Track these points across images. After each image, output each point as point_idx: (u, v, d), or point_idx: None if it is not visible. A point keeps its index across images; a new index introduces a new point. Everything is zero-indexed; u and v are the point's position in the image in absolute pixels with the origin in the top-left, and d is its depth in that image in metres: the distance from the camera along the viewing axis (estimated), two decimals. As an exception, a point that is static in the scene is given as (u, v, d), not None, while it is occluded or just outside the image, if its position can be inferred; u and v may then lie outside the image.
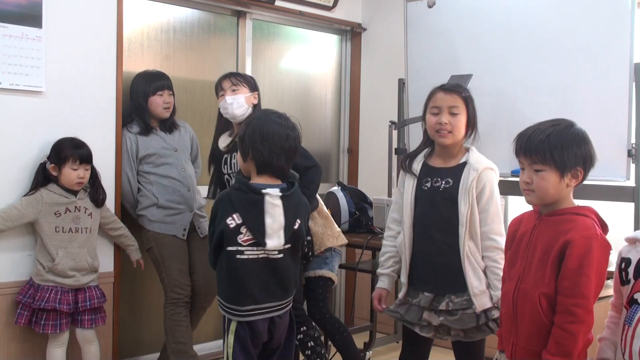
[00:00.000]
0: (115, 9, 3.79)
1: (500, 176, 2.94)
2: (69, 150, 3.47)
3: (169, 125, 3.95)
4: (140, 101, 3.85)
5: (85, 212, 3.54)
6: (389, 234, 3.07)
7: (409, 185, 2.94)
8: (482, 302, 2.79)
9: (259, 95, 3.64)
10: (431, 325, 2.87)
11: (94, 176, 3.61)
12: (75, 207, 3.51)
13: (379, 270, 3.07)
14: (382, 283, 3.06)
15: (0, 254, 3.44)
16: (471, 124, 2.87)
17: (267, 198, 2.67)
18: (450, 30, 4.25)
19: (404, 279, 2.95)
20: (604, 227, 2.25)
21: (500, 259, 2.76)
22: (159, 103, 3.86)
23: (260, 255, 2.68)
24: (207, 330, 4.56)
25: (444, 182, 2.87)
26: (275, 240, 2.69)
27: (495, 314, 2.77)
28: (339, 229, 3.73)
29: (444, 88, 2.88)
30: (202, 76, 4.54)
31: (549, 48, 3.84)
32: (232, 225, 2.64)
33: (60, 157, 3.46)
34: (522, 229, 2.38)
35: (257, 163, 2.71)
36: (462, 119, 2.83)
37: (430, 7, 4.35)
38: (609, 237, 2.23)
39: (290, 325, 2.87)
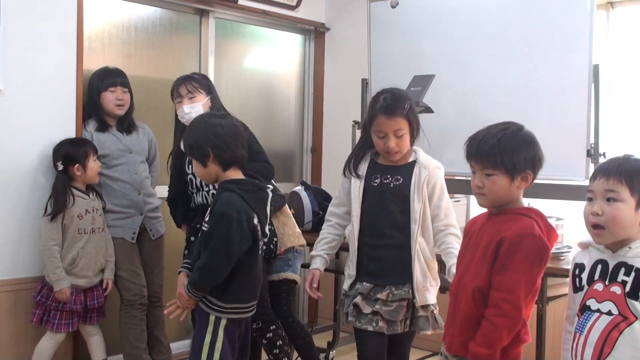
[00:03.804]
0: (76, 6, 3.73)
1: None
2: (87, 146, 3.59)
3: (126, 125, 3.89)
4: (94, 97, 3.81)
5: (97, 212, 3.63)
6: (327, 224, 3.16)
7: (356, 182, 3.02)
8: (423, 297, 2.92)
9: (214, 96, 3.63)
10: (361, 313, 2.92)
11: None
12: (93, 207, 3.61)
13: (312, 253, 3.15)
14: (315, 264, 3.10)
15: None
16: (415, 134, 2.96)
17: (269, 193, 2.85)
18: (413, 30, 4.27)
19: (352, 271, 3.01)
20: (550, 230, 2.31)
21: (457, 243, 2.87)
22: (110, 99, 3.80)
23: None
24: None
25: (394, 180, 2.96)
26: (267, 229, 2.88)
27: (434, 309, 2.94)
28: (298, 230, 3.75)
29: (385, 112, 2.88)
30: (164, 75, 4.49)
31: (510, 49, 3.88)
32: (258, 225, 2.76)
33: (81, 154, 3.55)
34: (474, 228, 2.45)
35: (221, 160, 2.74)
36: (407, 137, 2.92)
37: (393, 7, 4.37)
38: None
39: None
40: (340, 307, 3.07)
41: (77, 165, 3.54)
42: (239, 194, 2.71)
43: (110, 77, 3.83)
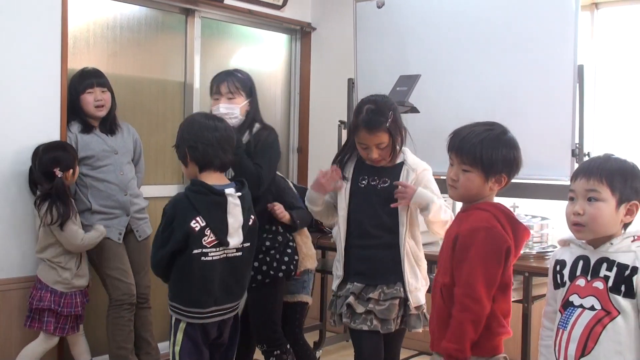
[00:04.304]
0: (60, 4, 3.71)
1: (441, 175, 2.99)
2: (72, 150, 3.58)
3: (109, 125, 3.83)
4: (74, 100, 3.77)
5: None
6: None
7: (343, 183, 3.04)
8: (416, 298, 2.95)
9: (254, 100, 3.50)
10: (355, 313, 2.93)
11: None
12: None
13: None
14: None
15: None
16: (401, 143, 2.96)
17: (229, 199, 2.72)
18: (400, 30, 4.28)
19: (340, 271, 3.03)
20: (517, 225, 2.35)
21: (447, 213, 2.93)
22: (89, 101, 3.74)
23: (222, 256, 2.73)
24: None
25: (381, 182, 2.97)
26: (235, 238, 2.75)
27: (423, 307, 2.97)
28: (314, 251, 3.69)
29: (366, 126, 2.88)
30: (149, 74, 4.48)
31: (496, 49, 3.90)
32: (197, 228, 2.66)
33: (71, 160, 3.53)
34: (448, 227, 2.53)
35: (197, 161, 2.74)
36: (389, 148, 2.92)
37: (379, 7, 4.38)
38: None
39: (235, 323, 2.91)
40: (332, 308, 3.07)
41: (70, 170, 3.50)
42: (187, 194, 2.70)
43: (86, 78, 3.77)
